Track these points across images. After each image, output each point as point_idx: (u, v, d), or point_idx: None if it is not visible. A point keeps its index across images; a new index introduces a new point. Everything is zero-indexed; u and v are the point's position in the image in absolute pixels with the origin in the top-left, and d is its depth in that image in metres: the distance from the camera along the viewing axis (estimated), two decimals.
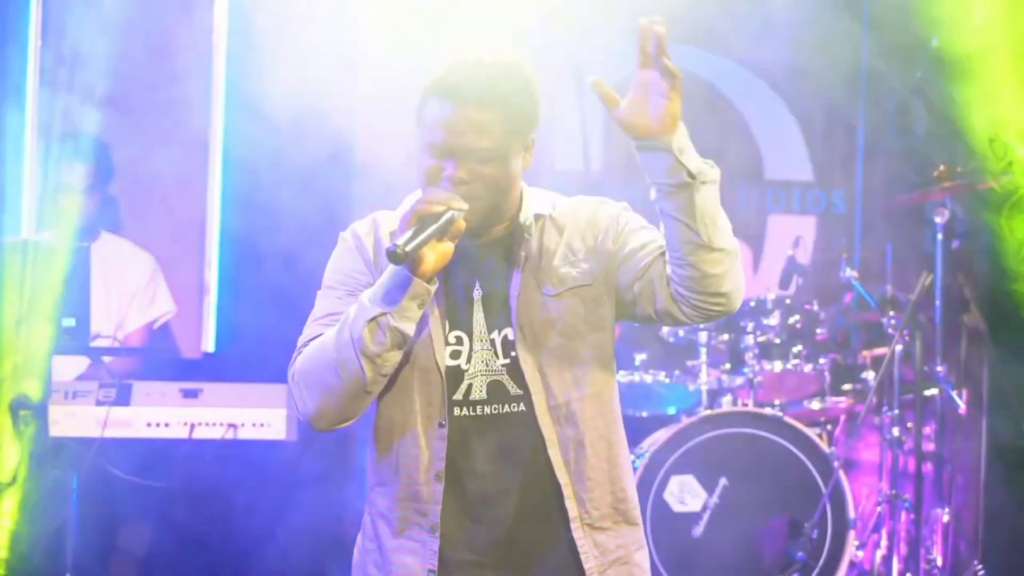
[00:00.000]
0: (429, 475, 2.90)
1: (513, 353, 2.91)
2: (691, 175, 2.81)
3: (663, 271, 2.88)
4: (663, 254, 2.90)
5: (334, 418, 2.86)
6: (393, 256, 2.68)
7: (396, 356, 2.81)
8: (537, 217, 2.97)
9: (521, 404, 2.91)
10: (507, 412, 2.92)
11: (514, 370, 2.91)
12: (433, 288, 2.78)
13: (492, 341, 2.93)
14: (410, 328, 2.78)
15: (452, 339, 2.92)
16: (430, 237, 2.73)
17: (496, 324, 2.92)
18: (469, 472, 2.91)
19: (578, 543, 2.92)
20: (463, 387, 2.92)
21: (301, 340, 2.93)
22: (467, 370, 2.92)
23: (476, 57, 2.85)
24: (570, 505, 2.92)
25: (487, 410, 2.92)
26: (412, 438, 2.91)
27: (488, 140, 2.82)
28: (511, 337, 2.91)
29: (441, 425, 2.90)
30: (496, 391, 2.92)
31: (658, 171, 2.84)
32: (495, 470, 2.92)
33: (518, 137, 2.89)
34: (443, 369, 2.90)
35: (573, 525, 2.91)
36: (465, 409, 2.92)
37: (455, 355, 2.92)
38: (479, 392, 2.92)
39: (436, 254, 2.76)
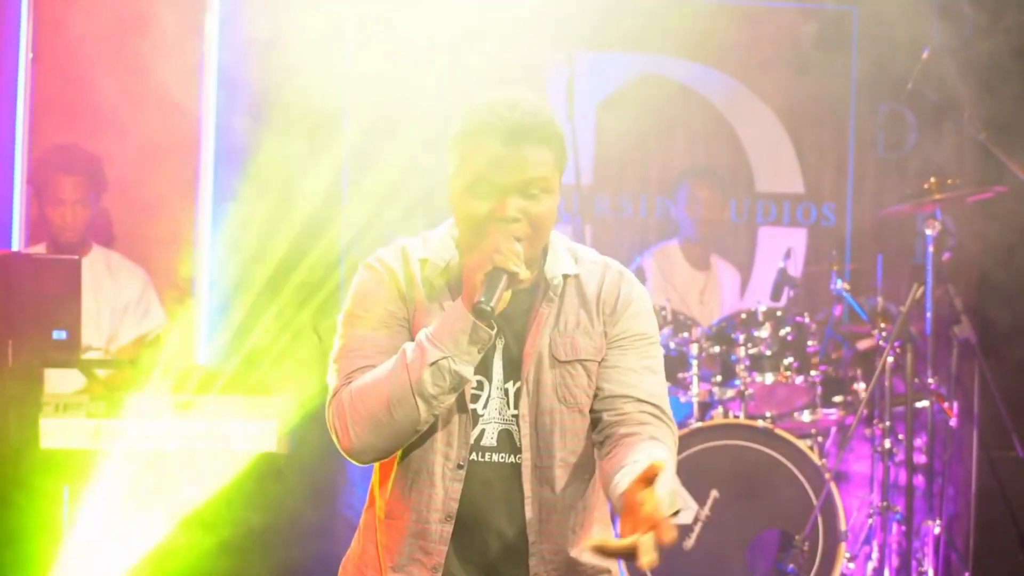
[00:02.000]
0: (440, 515, 2.91)
1: (519, 406, 2.94)
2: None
3: (604, 416, 2.92)
4: (626, 403, 2.92)
5: (376, 453, 2.88)
6: (483, 315, 2.74)
7: (452, 398, 2.83)
8: (564, 276, 2.98)
9: (520, 456, 2.94)
10: (511, 463, 2.94)
11: (519, 422, 2.94)
12: (493, 333, 2.81)
13: (506, 391, 2.95)
14: (469, 371, 2.81)
15: (475, 382, 2.93)
16: (504, 290, 2.78)
17: (511, 375, 2.94)
18: (472, 517, 2.92)
19: None
20: (476, 431, 2.94)
21: (341, 370, 2.91)
22: (483, 415, 2.94)
23: (511, 98, 2.87)
24: (533, 563, 2.95)
25: (495, 458, 2.94)
26: (428, 476, 2.92)
27: (542, 174, 2.85)
28: (520, 390, 2.94)
29: (460, 467, 2.91)
30: (505, 440, 2.95)
31: None
32: (489, 517, 2.94)
33: (560, 172, 2.92)
34: (470, 411, 2.91)
35: None
36: (475, 454, 2.94)
37: (474, 399, 2.93)
38: (490, 439, 2.94)
39: (502, 302, 2.80)
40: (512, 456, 2.94)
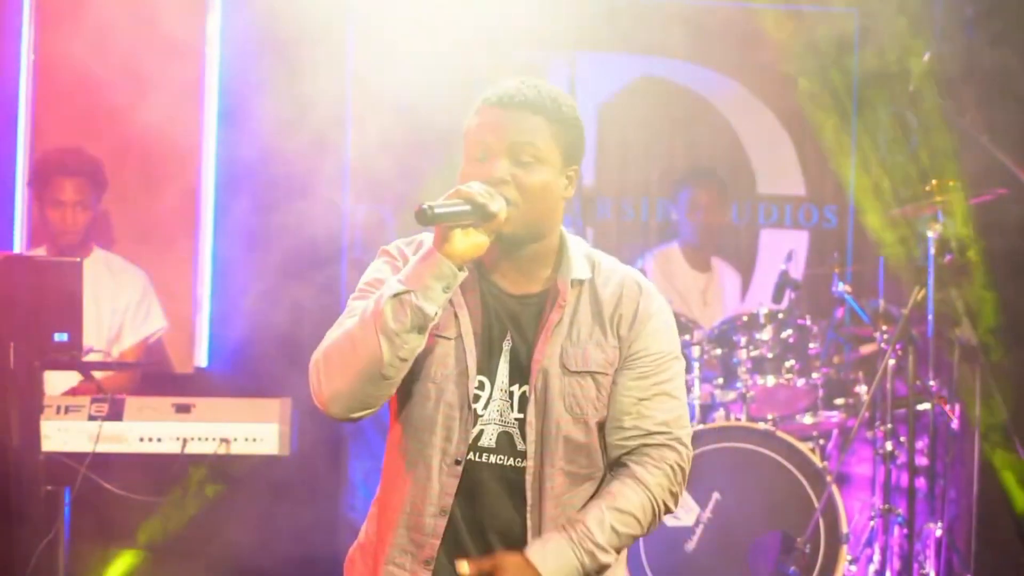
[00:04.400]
0: (435, 509, 2.91)
1: (524, 411, 2.92)
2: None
3: (616, 433, 2.96)
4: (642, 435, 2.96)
5: (348, 401, 2.81)
6: (420, 215, 2.67)
7: (416, 340, 2.76)
8: (575, 282, 2.96)
9: (522, 461, 2.92)
10: (510, 465, 2.93)
11: (523, 427, 2.93)
12: (462, 276, 2.76)
13: (511, 393, 2.93)
14: (432, 310, 2.73)
15: (477, 382, 2.91)
16: (463, 214, 2.72)
17: (516, 379, 2.92)
18: (467, 515, 2.92)
19: None
20: (475, 431, 2.92)
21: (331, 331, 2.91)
22: (482, 416, 2.93)
23: (522, 77, 2.90)
24: None
25: (493, 459, 2.93)
26: (425, 470, 2.91)
27: (531, 138, 2.84)
28: (528, 395, 2.92)
29: (457, 462, 2.90)
30: (504, 443, 2.93)
31: None
32: (486, 517, 2.93)
33: (561, 152, 2.89)
34: (471, 408, 2.90)
35: None
36: (472, 454, 2.92)
37: (475, 399, 2.91)
38: (489, 440, 2.93)
39: (469, 241, 2.74)
40: (511, 459, 2.92)
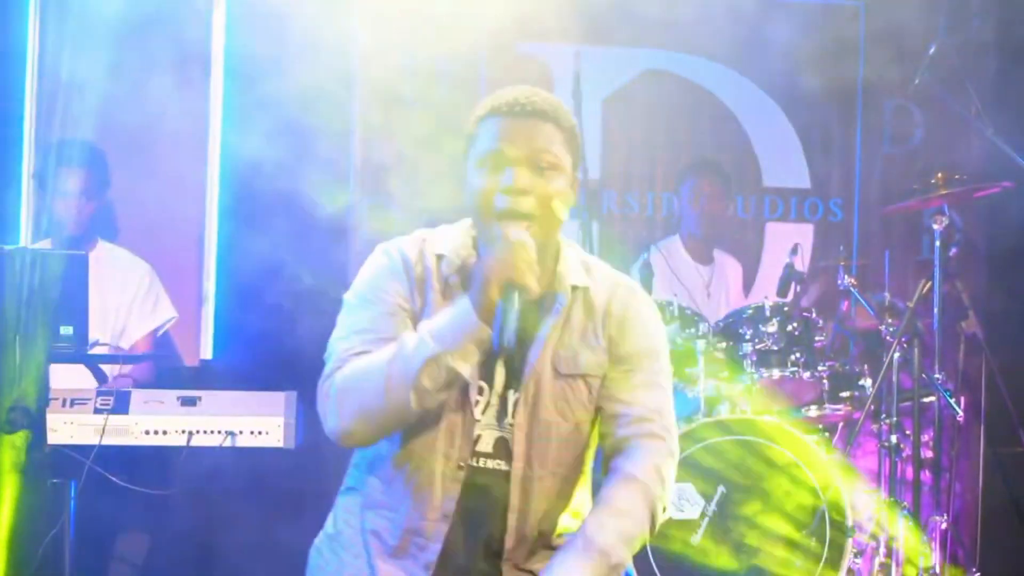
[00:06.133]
0: (437, 513, 2.92)
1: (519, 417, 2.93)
2: None
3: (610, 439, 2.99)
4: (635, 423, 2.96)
5: (362, 438, 2.87)
6: (505, 351, 2.74)
7: (445, 395, 2.82)
8: (573, 288, 2.97)
9: (512, 465, 2.94)
10: (505, 470, 2.95)
11: (516, 431, 2.93)
12: (492, 334, 2.79)
13: (505, 399, 2.95)
14: (466, 370, 2.79)
15: (477, 387, 2.93)
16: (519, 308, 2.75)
17: (511, 384, 2.93)
18: (466, 520, 2.93)
19: None
20: (473, 436, 2.94)
21: (340, 351, 2.90)
22: (479, 421, 2.94)
23: (525, 88, 2.90)
24: (505, 569, 2.97)
25: (491, 464, 2.95)
26: (428, 474, 2.92)
27: (548, 145, 2.84)
28: (520, 401, 2.93)
29: (460, 468, 2.91)
30: (501, 448, 2.95)
31: None
32: (483, 522, 2.95)
33: (571, 159, 2.90)
34: (474, 414, 2.91)
35: None
36: (472, 459, 2.94)
37: (475, 403, 2.93)
38: (487, 445, 2.95)
39: None
40: (507, 464, 2.94)
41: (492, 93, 2.95)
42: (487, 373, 2.93)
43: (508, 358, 2.92)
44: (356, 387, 2.82)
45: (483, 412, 2.94)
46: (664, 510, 2.98)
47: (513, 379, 2.93)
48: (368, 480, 3.00)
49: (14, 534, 4.81)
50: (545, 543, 3.01)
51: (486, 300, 2.74)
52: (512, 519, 2.93)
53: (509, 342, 2.72)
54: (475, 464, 2.93)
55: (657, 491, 2.93)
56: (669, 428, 2.99)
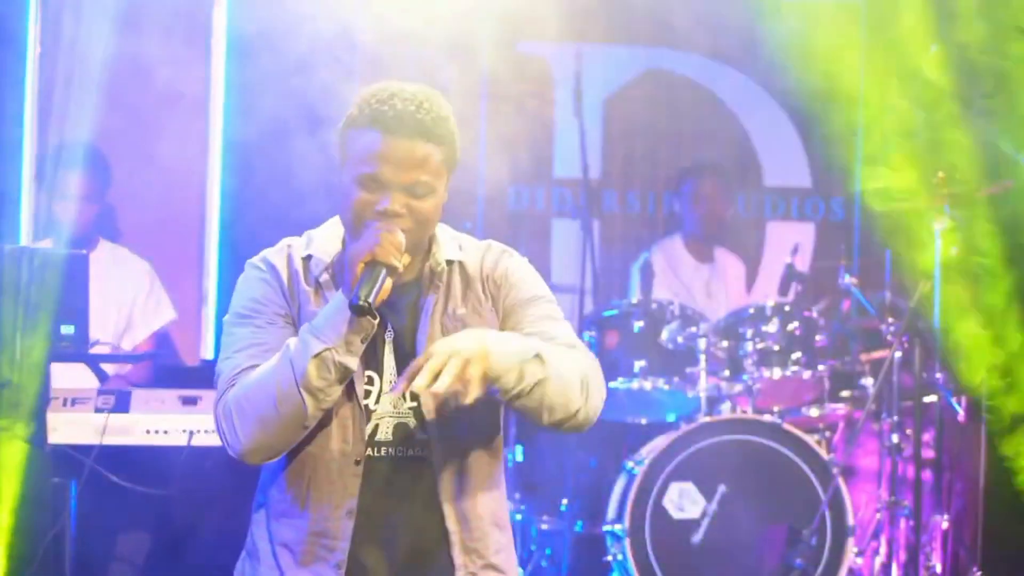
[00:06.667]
0: (340, 511, 2.89)
1: (418, 398, 2.91)
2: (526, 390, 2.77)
3: None
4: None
5: (267, 452, 2.84)
6: (359, 310, 2.70)
7: (338, 391, 2.80)
8: (448, 263, 2.97)
9: (423, 448, 2.91)
10: (410, 456, 2.92)
11: (419, 414, 2.91)
12: (376, 322, 2.78)
13: None
14: (354, 362, 2.78)
15: (365, 378, 2.90)
16: (383, 281, 2.74)
17: (404, 366, 2.85)
18: (374, 512, 2.89)
19: None
20: (370, 427, 2.91)
21: (227, 371, 2.87)
22: (375, 410, 2.91)
23: (407, 92, 2.84)
24: (456, 553, 2.94)
25: (391, 452, 2.92)
26: (326, 474, 2.89)
27: (427, 174, 2.82)
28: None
29: (357, 463, 2.89)
30: (401, 433, 2.92)
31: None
32: (394, 512, 2.91)
33: (448, 172, 2.90)
34: (362, 407, 2.89)
35: (459, 574, 2.93)
36: (370, 449, 2.91)
37: (366, 395, 2.90)
38: (385, 434, 2.92)
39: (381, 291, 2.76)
40: (410, 449, 2.92)
41: (377, 86, 2.90)
42: (374, 362, 2.91)
43: (396, 344, 2.91)
44: (249, 402, 2.79)
45: (377, 401, 2.91)
46: (589, 400, 2.87)
47: (404, 363, 2.87)
48: (270, 492, 2.97)
49: (15, 533, 4.81)
50: (493, 522, 3.00)
51: (354, 284, 2.74)
52: (446, 501, 2.91)
53: (369, 299, 2.69)
54: (375, 454, 2.91)
55: (585, 359, 2.89)
56: (578, 344, 2.95)
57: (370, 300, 2.70)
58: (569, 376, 2.81)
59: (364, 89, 2.91)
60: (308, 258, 2.95)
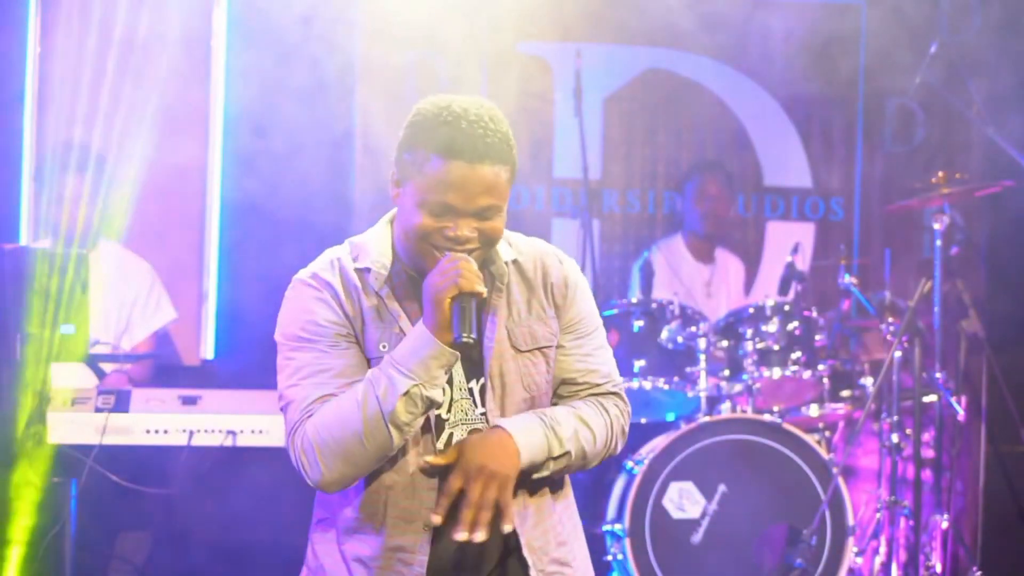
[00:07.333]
0: (418, 525, 2.89)
1: (487, 404, 2.92)
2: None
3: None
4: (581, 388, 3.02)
5: (348, 482, 2.85)
6: (465, 346, 2.74)
7: (422, 421, 2.81)
8: (508, 264, 2.97)
9: None
10: None
11: (489, 420, 2.92)
12: (459, 354, 2.79)
13: (470, 390, 2.92)
14: (439, 395, 2.79)
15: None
16: (477, 311, 2.76)
17: (472, 373, 2.90)
18: (449, 522, 2.86)
19: None
20: (444, 436, 2.91)
21: (299, 400, 2.85)
22: (447, 419, 2.91)
23: (471, 113, 2.79)
24: (527, 554, 2.94)
25: None
26: (403, 488, 2.89)
27: (495, 197, 2.80)
28: (487, 386, 2.92)
29: (432, 475, 2.89)
30: None
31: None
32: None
33: (512, 186, 2.89)
34: (433, 419, 2.89)
35: (532, 572, 2.94)
36: None
37: (438, 405, 2.89)
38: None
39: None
40: None
41: (431, 105, 2.84)
42: None
43: (464, 351, 2.88)
44: (332, 437, 2.79)
45: (448, 411, 2.91)
46: (611, 453, 3.03)
47: (473, 369, 2.91)
48: (340, 511, 2.95)
49: (15, 532, 4.81)
50: (555, 518, 3.03)
51: (440, 319, 2.74)
52: (515, 504, 2.91)
53: (473, 335, 2.73)
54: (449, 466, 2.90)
55: (616, 434, 3.00)
56: (621, 387, 3.06)
57: (474, 336, 2.73)
58: (592, 450, 2.95)
59: (424, 106, 2.86)
60: (365, 271, 2.91)
